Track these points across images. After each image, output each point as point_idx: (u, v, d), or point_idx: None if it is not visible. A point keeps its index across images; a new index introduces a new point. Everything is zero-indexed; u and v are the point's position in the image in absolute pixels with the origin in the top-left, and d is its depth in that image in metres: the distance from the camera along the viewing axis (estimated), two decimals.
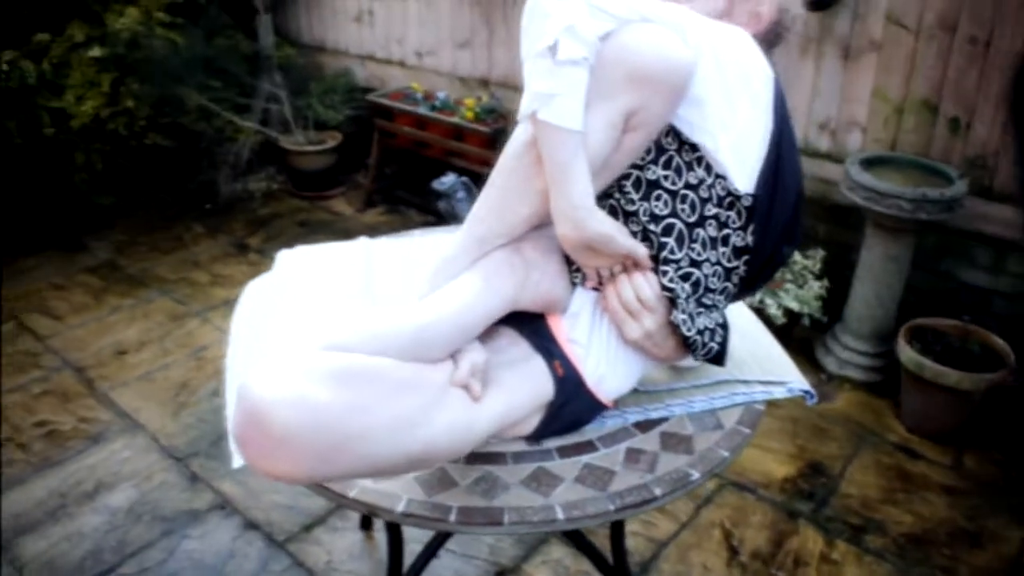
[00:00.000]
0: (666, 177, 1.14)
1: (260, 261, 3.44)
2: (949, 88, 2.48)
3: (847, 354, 2.67)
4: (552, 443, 1.23)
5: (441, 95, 3.61)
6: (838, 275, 2.73)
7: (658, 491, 1.15)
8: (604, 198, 1.13)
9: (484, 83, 3.67)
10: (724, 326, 1.23)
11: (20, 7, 3.37)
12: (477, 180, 3.50)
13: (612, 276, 1.16)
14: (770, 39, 1.30)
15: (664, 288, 1.14)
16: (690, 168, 1.14)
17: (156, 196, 4.02)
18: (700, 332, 1.16)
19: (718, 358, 1.24)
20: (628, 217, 1.14)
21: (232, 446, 1.19)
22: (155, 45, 3.41)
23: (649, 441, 1.25)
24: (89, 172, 3.59)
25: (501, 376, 1.12)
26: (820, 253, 2.76)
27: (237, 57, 3.91)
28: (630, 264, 1.14)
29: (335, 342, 1.00)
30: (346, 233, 3.68)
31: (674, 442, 1.26)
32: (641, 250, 1.12)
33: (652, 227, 1.13)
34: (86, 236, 3.64)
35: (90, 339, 2.88)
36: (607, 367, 1.19)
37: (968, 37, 2.39)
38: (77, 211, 3.70)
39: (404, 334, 1.05)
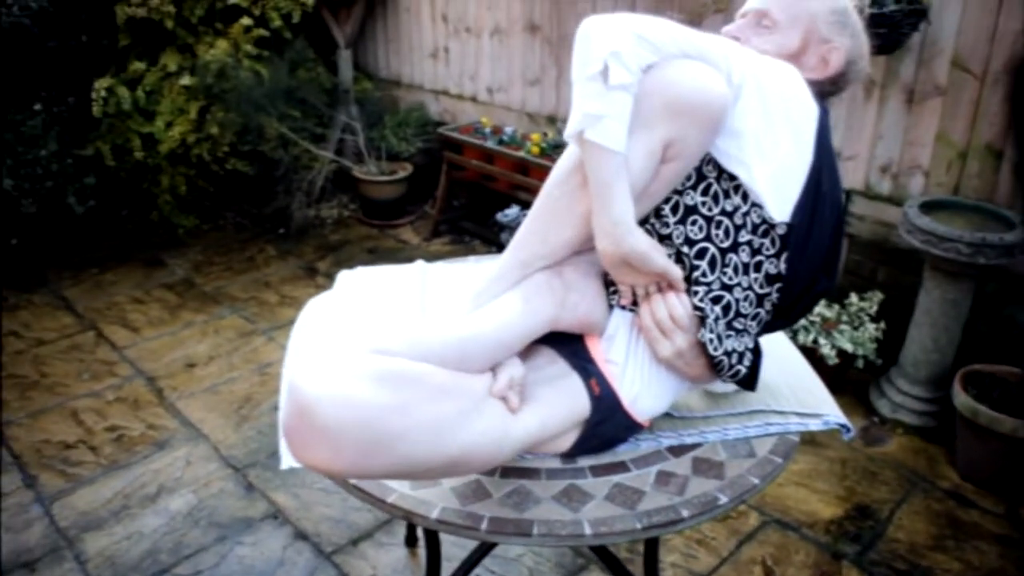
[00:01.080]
0: (703, 203, 1.19)
1: (327, 284, 3.57)
2: (1015, 133, 2.45)
3: (901, 398, 2.62)
4: (586, 461, 1.27)
5: (508, 130, 3.71)
6: (895, 318, 2.70)
7: (685, 513, 1.18)
8: (640, 223, 1.18)
9: (551, 120, 3.76)
10: (755, 351, 1.26)
11: (118, 38, 3.61)
12: None
13: (647, 295, 1.20)
14: (835, 85, 1.35)
15: (695, 307, 1.18)
16: (727, 196, 1.19)
17: (233, 219, 4.22)
18: (727, 353, 1.20)
19: (746, 381, 1.27)
20: (662, 240, 1.19)
21: (281, 445, 1.27)
22: (241, 76, 3.61)
23: (681, 465, 1.28)
24: (173, 195, 3.80)
25: (538, 392, 1.18)
26: (878, 296, 2.74)
27: (317, 89, 4.10)
28: (664, 284, 1.19)
29: (381, 346, 1.07)
30: (411, 261, 3.79)
31: (705, 467, 1.28)
32: (676, 271, 1.16)
33: (686, 250, 1.18)
34: (166, 254, 3.84)
35: (163, 351, 3.03)
36: (642, 387, 1.24)
37: None
38: (159, 231, 3.91)
39: (447, 344, 1.11)
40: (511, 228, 3.64)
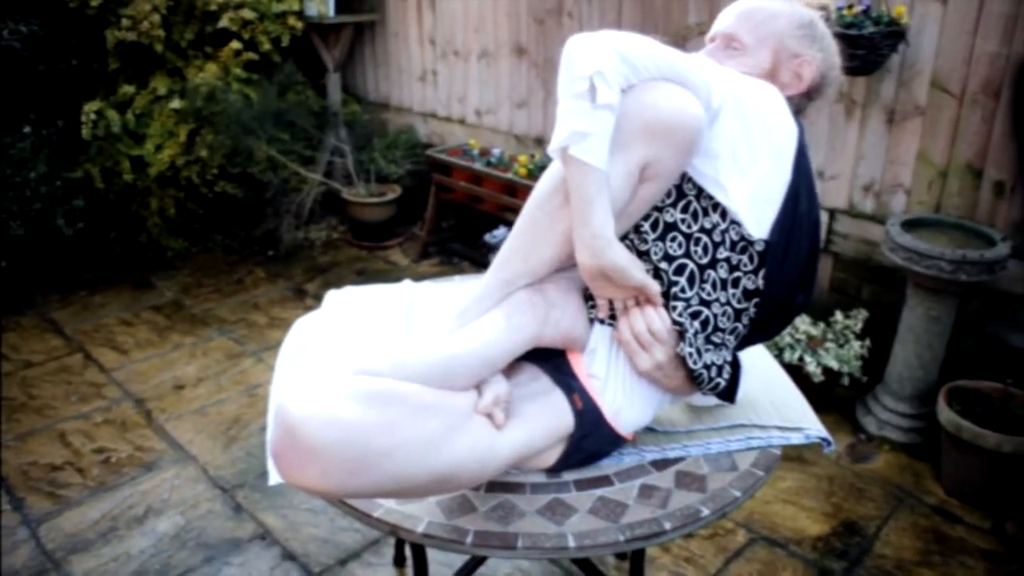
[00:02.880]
0: (683, 220, 1.21)
1: (316, 305, 3.52)
2: (994, 152, 2.49)
3: (887, 415, 2.64)
4: (570, 476, 1.29)
5: (496, 152, 3.75)
6: (880, 335, 2.72)
7: (668, 525, 1.19)
8: (619, 239, 1.20)
9: (539, 141, 3.80)
10: (734, 364, 1.29)
11: (108, 61, 3.63)
12: None
13: (625, 309, 1.22)
14: (810, 97, 1.40)
15: (673, 322, 1.20)
16: (706, 213, 1.21)
17: (222, 241, 4.23)
18: (707, 367, 1.22)
19: (726, 394, 1.29)
20: (640, 256, 1.21)
21: (269, 463, 1.28)
22: (231, 99, 3.63)
23: (664, 479, 1.30)
24: (162, 217, 3.81)
25: (522, 408, 1.19)
26: (862, 313, 2.76)
27: (306, 112, 4.13)
28: (642, 299, 1.21)
29: (366, 367, 1.09)
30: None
31: (688, 480, 1.30)
32: (653, 285, 1.18)
33: (664, 266, 1.20)
34: (154, 276, 3.84)
35: (151, 373, 3.03)
36: (624, 400, 1.25)
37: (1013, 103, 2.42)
38: (148, 253, 3.92)
39: (431, 364, 1.13)
40: (499, 249, 3.66)
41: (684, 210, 1.21)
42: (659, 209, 1.21)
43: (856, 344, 2.70)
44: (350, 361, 1.11)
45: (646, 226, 1.21)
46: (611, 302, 1.23)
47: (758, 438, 1.40)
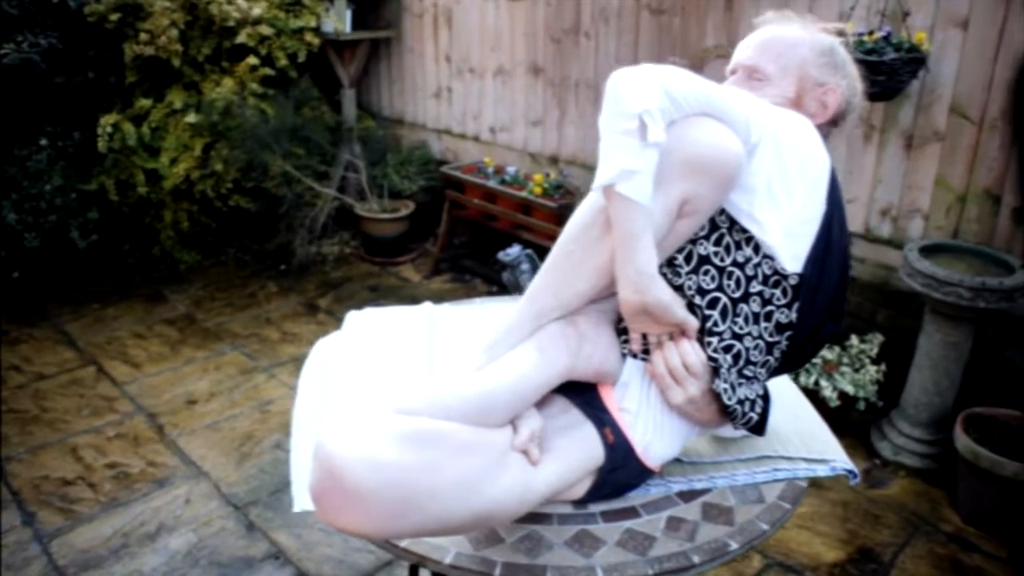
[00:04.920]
0: (716, 254, 1.20)
1: (328, 321, 3.58)
2: (1012, 179, 2.49)
3: (902, 440, 2.63)
4: (597, 507, 1.27)
5: (511, 170, 3.75)
6: (896, 360, 2.71)
7: (696, 559, 1.18)
8: None
9: (553, 160, 3.81)
10: (764, 397, 1.28)
11: (125, 74, 3.65)
12: (542, 253, 3.59)
13: (658, 344, 1.22)
14: (835, 124, 1.39)
15: (708, 358, 1.19)
16: (739, 247, 1.21)
17: (235, 255, 4.24)
18: (740, 402, 1.21)
19: (757, 428, 1.28)
20: (674, 290, 1.21)
21: (295, 492, 1.27)
22: (247, 114, 3.65)
23: (691, 511, 1.29)
24: (176, 230, 3.82)
25: (554, 442, 1.18)
26: (878, 338, 2.75)
27: (321, 127, 4.15)
28: (677, 333, 1.20)
29: (404, 406, 1.08)
30: (413, 299, 3.81)
31: (715, 513, 1.29)
32: (692, 321, 1.18)
33: (697, 300, 1.19)
34: (167, 289, 3.85)
35: (164, 387, 3.03)
36: (655, 434, 1.24)
37: None
38: (161, 266, 3.93)
39: (467, 400, 1.12)
40: (512, 267, 3.65)
41: (717, 243, 1.21)
42: (692, 242, 1.21)
43: (872, 369, 2.69)
44: (388, 399, 1.10)
45: (680, 259, 1.21)
46: (644, 336, 1.22)
47: (784, 470, 1.39)
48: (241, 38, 3.61)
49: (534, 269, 3.66)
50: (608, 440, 1.21)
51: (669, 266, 1.21)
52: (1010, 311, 2.46)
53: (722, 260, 1.21)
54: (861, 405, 2.66)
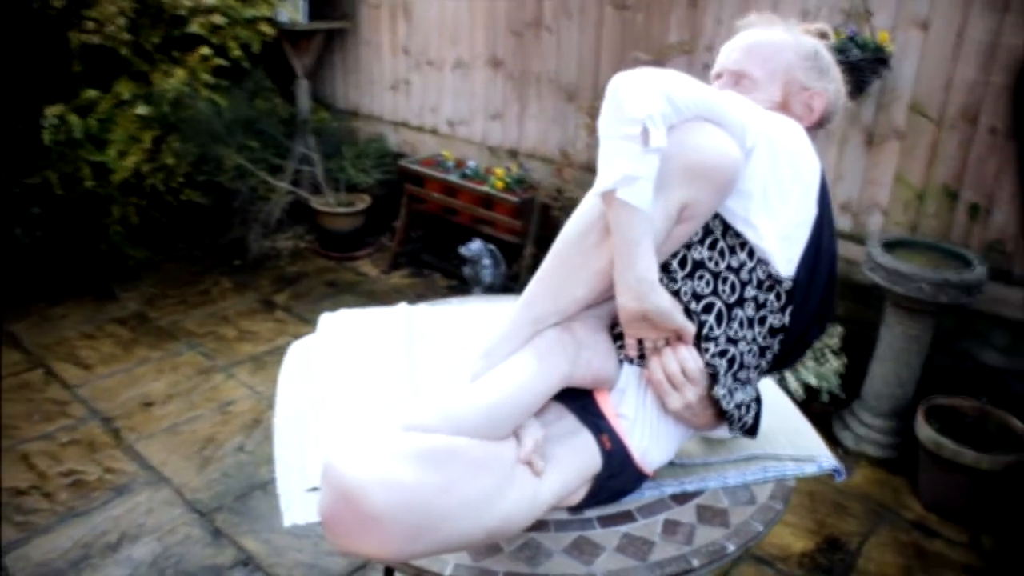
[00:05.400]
0: (710, 258, 1.20)
1: (286, 319, 3.50)
2: (969, 176, 2.55)
3: (864, 430, 2.69)
4: (592, 512, 1.27)
5: (472, 164, 3.72)
6: (857, 352, 2.77)
7: (696, 562, 1.18)
8: None
9: (513, 154, 3.78)
10: (757, 400, 1.29)
11: (70, 64, 3.50)
12: (503, 248, 3.58)
13: (655, 349, 1.21)
14: (820, 126, 1.41)
15: (706, 364, 1.19)
16: (733, 252, 1.21)
17: (187, 251, 4.11)
18: (738, 406, 1.22)
19: (751, 430, 1.29)
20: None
21: (284, 506, 1.23)
22: (199, 105, 3.53)
23: (685, 513, 1.29)
24: (124, 225, 3.69)
25: (553, 451, 1.17)
26: (839, 330, 2.81)
27: (275, 119, 4.04)
28: (674, 339, 1.19)
29: (415, 423, 1.06)
30: (371, 294, 3.76)
31: (710, 515, 1.29)
32: (691, 327, 1.17)
33: (693, 305, 1.19)
34: (117, 287, 3.72)
35: (118, 390, 2.93)
36: (651, 440, 1.24)
37: (989, 128, 2.48)
38: (109, 262, 3.79)
39: (478, 414, 1.11)
40: (473, 262, 3.64)
41: (711, 248, 1.21)
42: (687, 247, 1.20)
43: (834, 361, 2.74)
44: (398, 415, 1.08)
45: (674, 264, 1.20)
46: (640, 341, 1.22)
47: (773, 469, 1.40)
48: (193, 27, 3.49)
49: (496, 264, 3.66)
50: (606, 447, 1.20)
51: (664, 271, 1.20)
52: (967, 304, 2.52)
53: (717, 265, 1.21)
54: (825, 397, 2.72)
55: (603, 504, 1.26)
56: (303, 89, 4.21)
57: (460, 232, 3.85)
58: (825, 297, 1.31)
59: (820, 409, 2.82)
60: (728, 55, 1.39)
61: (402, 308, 1.84)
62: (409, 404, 1.12)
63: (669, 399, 1.20)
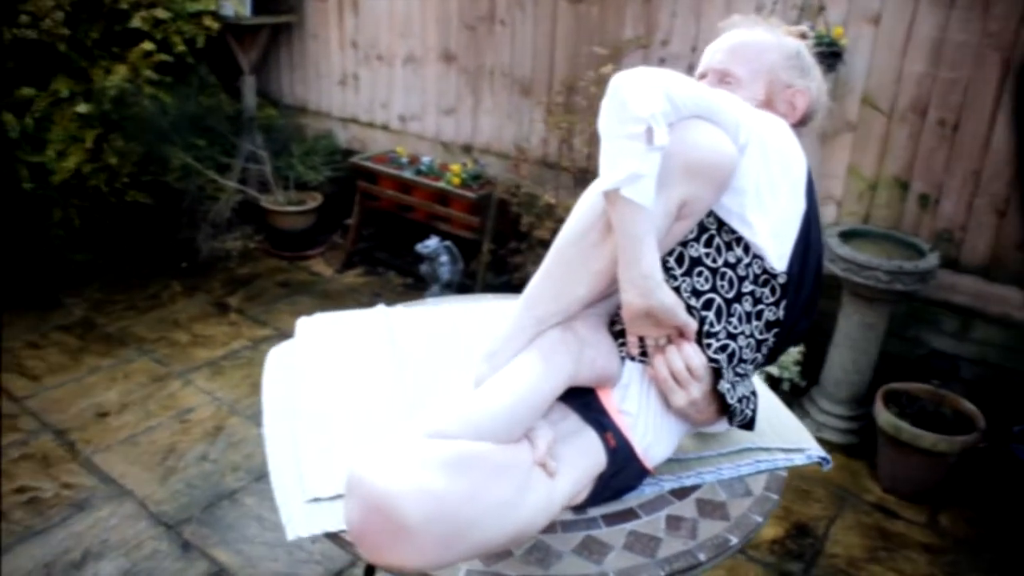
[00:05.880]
0: (707, 255, 1.22)
1: (241, 322, 3.42)
2: (919, 167, 2.64)
3: (824, 417, 2.76)
4: (596, 511, 1.27)
5: (427, 160, 3.68)
6: (814, 341, 2.84)
7: (702, 556, 1.20)
8: None
9: (467, 149, 3.76)
10: (754, 393, 1.31)
11: (4, 60, 3.35)
12: (460, 244, 3.56)
13: (657, 347, 1.22)
14: (803, 124, 1.44)
15: (709, 359, 1.20)
16: (729, 248, 1.22)
17: (133, 253, 3.97)
18: (740, 400, 1.24)
19: (750, 424, 1.31)
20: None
21: (285, 519, 1.20)
22: (142, 103, 3.42)
23: (686, 508, 1.30)
24: (66, 228, 3.55)
25: (561, 452, 1.16)
26: None
27: (221, 116, 3.93)
28: (676, 335, 1.20)
29: (437, 429, 1.05)
30: (326, 294, 3.70)
31: (710, 508, 1.31)
32: (693, 324, 1.19)
33: (693, 302, 1.20)
34: (61, 293, 3.57)
35: (69, 400, 2.82)
36: (654, 435, 1.25)
37: (938, 120, 2.57)
38: (52, 267, 3.64)
39: (496, 418, 1.10)
40: (431, 259, 3.61)
41: (707, 244, 1.22)
42: (683, 244, 1.22)
43: (793, 350, 2.80)
44: (419, 423, 1.07)
45: (671, 261, 1.21)
46: (642, 339, 1.22)
47: (765, 461, 1.43)
48: (135, 22, 3.37)
49: (453, 261, 3.64)
50: (610, 445, 1.21)
51: (664, 270, 1.21)
52: (919, 292, 2.61)
53: (714, 261, 1.22)
54: (786, 386, 2.78)
55: (606, 502, 1.27)
56: (249, 85, 4.11)
57: (415, 229, 3.81)
58: (813, 291, 1.35)
59: (782, 398, 2.88)
60: (712, 55, 1.41)
61: (380, 310, 1.82)
62: (429, 411, 1.11)
63: (674, 396, 1.21)
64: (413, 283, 3.86)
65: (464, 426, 1.05)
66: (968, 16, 2.43)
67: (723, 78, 1.37)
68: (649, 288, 1.12)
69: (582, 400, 1.24)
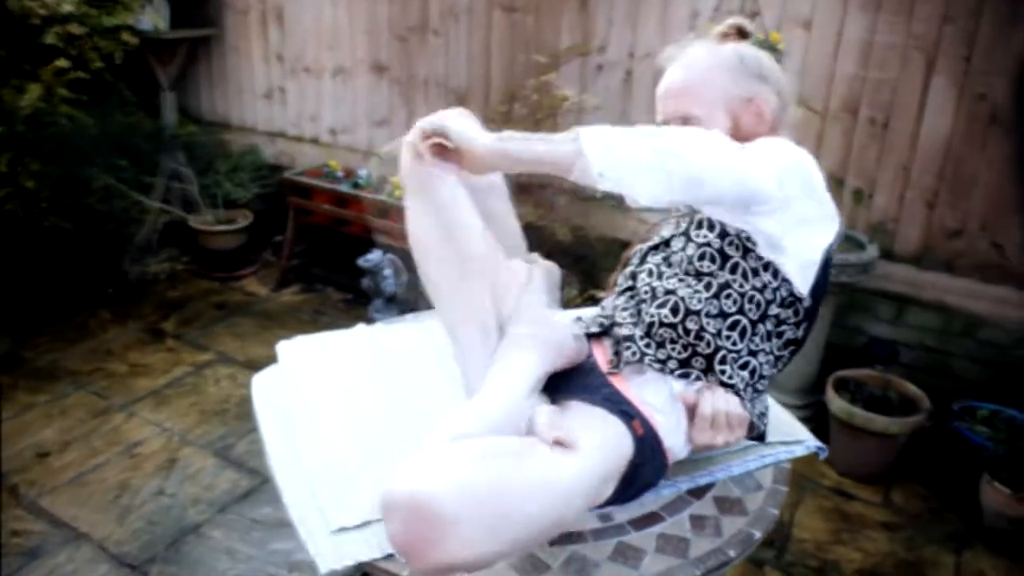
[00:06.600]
0: (734, 281, 1.25)
1: (179, 347, 3.29)
2: (853, 163, 2.77)
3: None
4: (622, 517, 1.28)
5: (363, 172, 3.63)
6: None
7: (732, 553, 1.23)
8: (667, 294, 1.27)
9: None
10: (768, 408, 1.35)
11: None
12: (405, 258, 3.51)
13: (708, 384, 1.26)
14: (781, 123, 1.43)
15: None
16: (755, 274, 1.26)
17: (54, 281, 3.75)
18: (759, 416, 1.28)
19: (761, 437, 1.35)
20: (692, 314, 1.24)
21: (314, 552, 1.16)
22: (59, 123, 3.24)
23: (706, 507, 1.33)
24: None
25: (585, 437, 1.17)
26: None
27: (142, 135, 3.77)
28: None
29: (457, 432, 1.08)
30: (266, 314, 3.59)
31: (728, 505, 1.34)
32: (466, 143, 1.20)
33: (719, 324, 1.24)
34: None
35: (5, 442, 2.64)
36: (674, 430, 1.27)
37: (869, 119, 2.70)
38: None
39: (509, 411, 1.16)
40: (374, 272, 3.55)
41: (733, 271, 1.25)
42: (710, 273, 1.25)
43: None
44: (440, 431, 1.09)
45: (700, 287, 1.25)
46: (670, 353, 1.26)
47: (769, 455, 1.47)
48: (48, 38, 3.20)
49: (397, 274, 3.59)
50: (637, 433, 1.22)
51: (691, 293, 1.25)
52: (860, 283, 2.74)
53: (741, 287, 1.25)
54: None
55: (629, 499, 1.28)
56: (169, 102, 3.96)
57: (351, 244, 3.74)
58: (815, 304, 1.35)
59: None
60: (666, 103, 1.38)
61: (361, 329, 1.79)
62: (445, 420, 1.12)
63: (701, 436, 1.24)
64: (354, 298, 3.79)
65: (481, 424, 1.10)
66: (894, 19, 2.57)
67: (685, 123, 1.34)
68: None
69: (601, 394, 1.26)
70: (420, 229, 1.39)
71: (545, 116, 3.05)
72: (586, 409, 1.24)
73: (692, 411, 1.25)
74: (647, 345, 1.27)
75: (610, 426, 1.20)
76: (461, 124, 1.20)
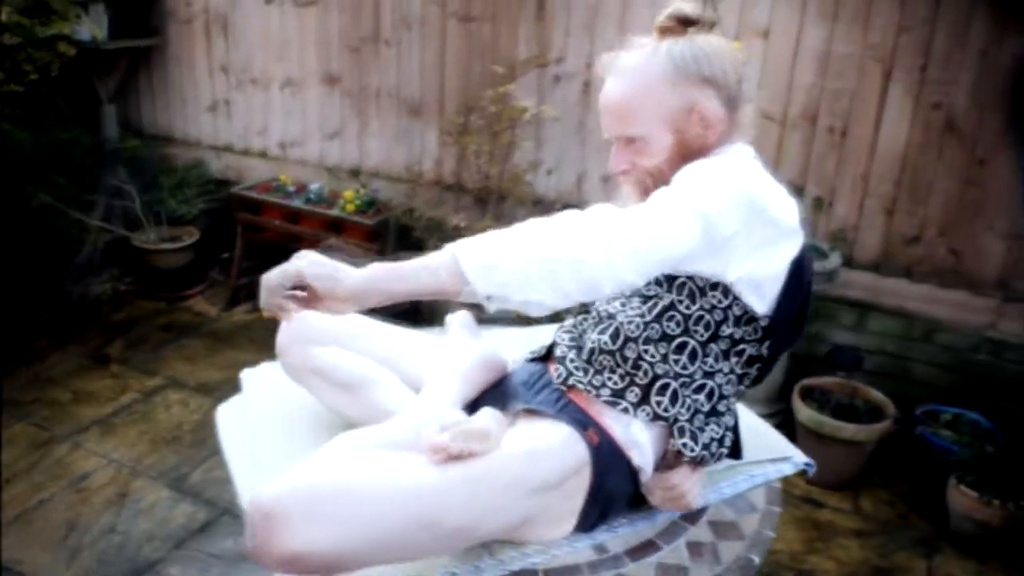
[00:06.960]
0: (680, 302, 1.22)
1: (125, 373, 3.14)
2: (813, 172, 2.79)
3: None
4: (617, 548, 1.24)
5: (315, 187, 3.52)
6: None
7: None
8: (609, 319, 1.26)
9: (355, 173, 3.64)
10: (732, 428, 1.30)
11: None
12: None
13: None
14: (737, 125, 1.31)
15: (659, 417, 1.23)
16: (703, 294, 1.21)
17: None
18: (706, 446, 1.24)
19: (733, 455, 1.32)
20: (630, 341, 1.23)
21: None
22: None
23: (702, 532, 1.30)
24: None
25: (523, 430, 1.20)
26: None
27: (79, 150, 3.60)
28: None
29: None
30: (216, 335, 3.46)
31: (724, 529, 1.31)
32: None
33: (664, 348, 1.21)
34: None
35: None
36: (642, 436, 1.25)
37: (827, 127, 2.72)
38: None
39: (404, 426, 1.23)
40: None
41: (679, 291, 1.22)
42: (655, 295, 1.23)
43: None
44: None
45: (644, 308, 1.24)
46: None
47: (758, 474, 1.44)
48: None
49: None
50: (593, 441, 1.20)
51: (640, 320, 1.23)
52: (822, 291, 2.75)
53: (687, 308, 1.22)
54: None
55: (612, 512, 1.25)
56: (109, 115, 3.79)
57: None
58: (802, 309, 1.30)
59: None
60: (606, 124, 1.29)
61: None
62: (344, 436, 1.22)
63: (653, 497, 1.27)
64: None
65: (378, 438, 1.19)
66: (850, 29, 2.60)
67: (629, 145, 1.26)
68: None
69: (558, 406, 1.24)
70: (333, 404, 1.48)
71: (503, 128, 3.01)
72: (535, 418, 1.23)
73: (662, 459, 1.26)
74: (577, 368, 1.27)
75: (555, 434, 1.18)
76: (317, 269, 1.10)
